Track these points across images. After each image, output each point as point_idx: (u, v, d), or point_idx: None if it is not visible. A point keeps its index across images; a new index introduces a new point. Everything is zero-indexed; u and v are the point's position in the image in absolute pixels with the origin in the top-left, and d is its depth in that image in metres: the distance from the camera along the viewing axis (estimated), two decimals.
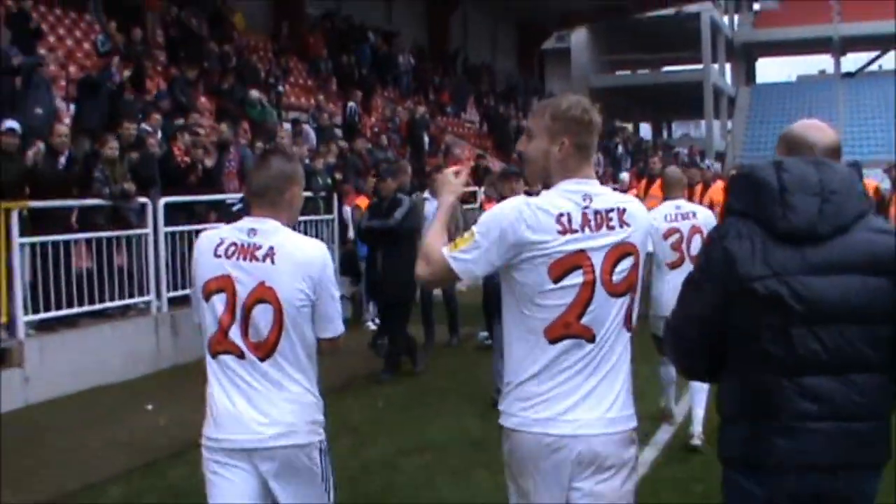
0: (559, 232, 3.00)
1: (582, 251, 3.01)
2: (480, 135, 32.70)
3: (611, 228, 3.07)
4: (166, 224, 10.68)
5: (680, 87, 52.54)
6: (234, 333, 3.42)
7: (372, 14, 34.44)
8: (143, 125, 12.38)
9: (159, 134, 11.87)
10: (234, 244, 3.47)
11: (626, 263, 3.09)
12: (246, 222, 3.52)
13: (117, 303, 10.16)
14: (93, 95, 13.19)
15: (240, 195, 10.00)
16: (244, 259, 3.44)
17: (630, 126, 62.33)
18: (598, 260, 3.04)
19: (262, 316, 3.40)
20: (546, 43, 50.78)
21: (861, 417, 2.75)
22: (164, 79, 18.07)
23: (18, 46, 14.98)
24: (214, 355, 3.49)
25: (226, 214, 10.09)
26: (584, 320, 3.03)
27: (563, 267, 3.00)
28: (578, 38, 54.45)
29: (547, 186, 3.16)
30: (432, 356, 10.59)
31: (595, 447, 3.05)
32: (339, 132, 21.01)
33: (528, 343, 3.07)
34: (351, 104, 21.63)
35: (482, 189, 15.00)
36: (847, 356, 2.73)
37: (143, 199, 10.39)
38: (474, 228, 3.08)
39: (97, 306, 9.93)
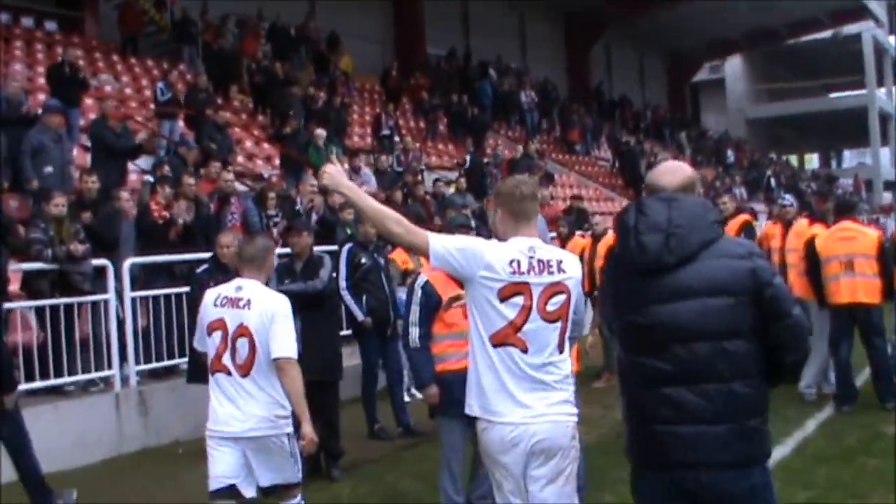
0: (510, 273, 3.95)
1: (525, 283, 3.96)
2: (611, 173, 30.44)
3: (550, 273, 4.00)
4: (136, 288, 9.31)
5: (845, 114, 48.48)
6: (226, 358, 5.09)
7: (505, 52, 32.99)
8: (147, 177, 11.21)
9: (167, 190, 10.39)
10: (227, 297, 5.15)
11: (559, 299, 4.03)
12: (237, 281, 5.25)
13: (70, 378, 8.78)
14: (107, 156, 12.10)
15: (205, 266, 8.50)
16: (231, 307, 5.11)
17: (794, 157, 58.45)
18: (536, 292, 3.97)
19: (242, 346, 5.04)
20: (699, 74, 47.96)
21: (714, 422, 3.19)
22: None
23: (59, 97, 14.24)
24: (213, 373, 5.17)
25: (194, 282, 8.65)
26: (519, 334, 3.96)
27: (509, 291, 3.95)
28: (733, 67, 51.39)
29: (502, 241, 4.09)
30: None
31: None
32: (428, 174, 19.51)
33: (478, 346, 4.04)
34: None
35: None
36: (697, 369, 3.21)
37: (100, 262, 9.03)
38: (457, 238, 4.13)
39: (46, 382, 8.59)
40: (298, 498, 5.39)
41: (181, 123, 16.12)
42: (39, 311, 8.69)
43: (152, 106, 16.43)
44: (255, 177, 16.66)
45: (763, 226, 12.19)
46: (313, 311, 7.44)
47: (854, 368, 9.36)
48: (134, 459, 8.90)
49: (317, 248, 8.79)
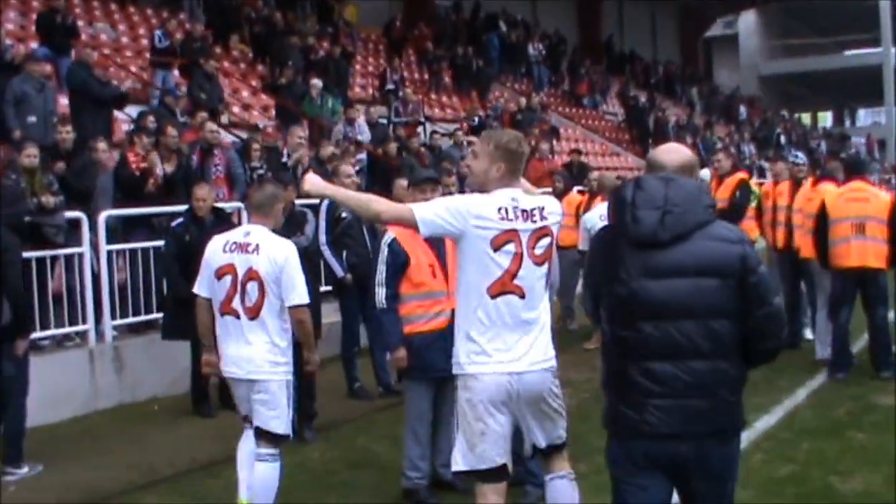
0: (500, 218, 4.10)
1: (514, 230, 4.12)
2: (618, 128, 29.94)
3: (533, 220, 4.18)
4: (111, 241, 9.02)
5: (860, 72, 47.51)
6: (236, 302, 5.28)
7: (513, 4, 32.34)
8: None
9: (144, 141, 10.03)
10: (236, 242, 5.33)
11: (545, 242, 4.23)
12: (245, 227, 5.70)
13: (43, 333, 8.50)
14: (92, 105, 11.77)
15: (180, 219, 8.22)
16: (241, 252, 5.29)
17: (807, 115, 57.60)
18: (524, 238, 4.14)
19: (252, 289, 5.23)
20: (712, 29, 47.09)
21: (695, 396, 3.32)
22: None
23: (48, 45, 13.91)
24: (223, 315, 5.35)
25: (168, 235, 8.40)
26: (516, 281, 4.11)
27: (501, 240, 4.09)
28: (747, 23, 50.42)
29: (482, 192, 4.25)
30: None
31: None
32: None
33: (474, 299, 4.12)
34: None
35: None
36: (682, 345, 3.32)
37: (74, 214, 8.74)
38: (440, 201, 4.29)
39: None
40: (276, 451, 5.38)
41: (176, 73, 15.77)
42: None
43: (147, 55, 16.04)
44: (250, 127, 16.32)
45: (767, 183, 11.73)
46: None
47: (851, 335, 9.04)
48: (108, 416, 8.66)
49: (298, 202, 8.52)
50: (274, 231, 5.43)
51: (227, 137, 13.47)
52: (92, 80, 12.33)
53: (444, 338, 5.05)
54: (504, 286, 4.08)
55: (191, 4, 20.94)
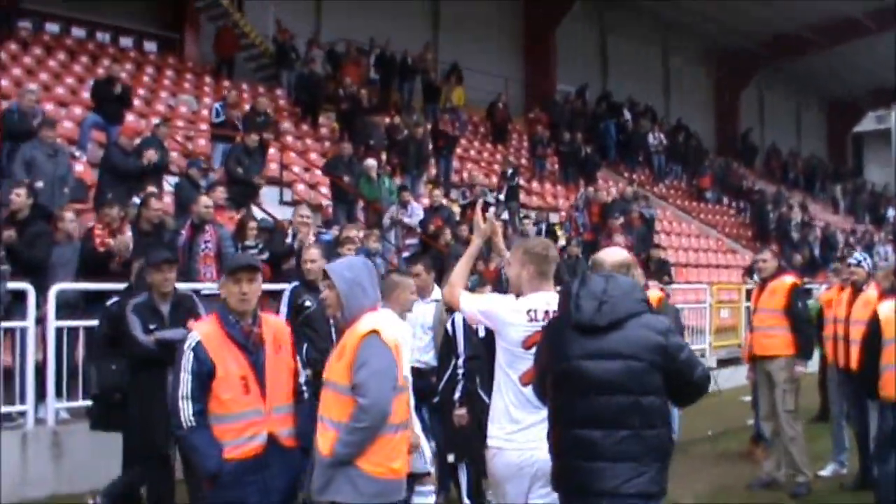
0: (528, 321, 4.53)
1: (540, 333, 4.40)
2: (738, 223, 27.97)
3: None
4: (64, 317, 8.28)
5: None
6: None
7: (645, 93, 31.13)
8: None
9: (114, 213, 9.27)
10: None
11: None
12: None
13: None
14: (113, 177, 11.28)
15: (116, 298, 7.34)
16: None
17: None
18: None
19: None
20: (862, 124, 44.30)
21: (622, 460, 3.77)
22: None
23: (100, 113, 13.65)
24: None
25: (106, 315, 7.47)
26: None
27: (531, 342, 4.43)
28: None
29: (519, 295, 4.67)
30: None
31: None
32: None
33: (509, 385, 4.55)
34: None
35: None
36: (614, 417, 3.78)
37: (18, 285, 8.04)
38: (483, 299, 4.86)
39: None
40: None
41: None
42: None
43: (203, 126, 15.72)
44: (314, 206, 15.67)
45: (832, 288, 9.90)
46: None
47: None
48: None
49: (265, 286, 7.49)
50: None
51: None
52: (115, 150, 11.86)
53: (259, 468, 4.31)
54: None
55: (289, 79, 20.74)
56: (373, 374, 4.06)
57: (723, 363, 15.15)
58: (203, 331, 4.53)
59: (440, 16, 27.29)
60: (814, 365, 9.44)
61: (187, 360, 4.44)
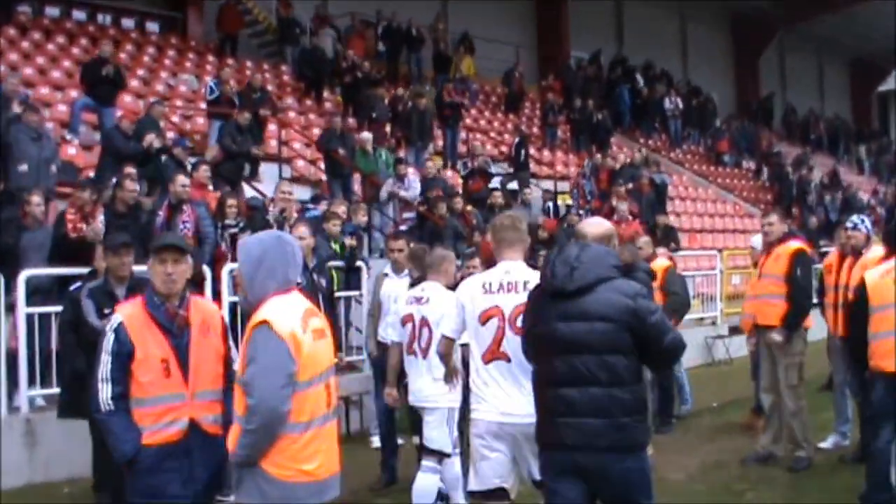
0: (483, 292, 4.90)
1: (496, 306, 4.85)
2: (757, 188, 27.34)
3: (516, 292, 4.80)
4: (35, 304, 8.05)
5: None
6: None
7: (663, 57, 30.46)
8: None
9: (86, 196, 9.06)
10: (414, 296, 6.69)
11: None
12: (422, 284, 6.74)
13: None
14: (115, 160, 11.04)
15: (79, 283, 7.06)
16: (416, 304, 6.63)
17: None
18: (507, 312, 4.82)
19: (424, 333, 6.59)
20: (887, 83, 43.22)
21: (595, 416, 4.03)
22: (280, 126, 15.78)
23: (92, 96, 13.41)
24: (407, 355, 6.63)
25: (68, 299, 7.20)
26: (502, 349, 4.84)
27: (485, 317, 4.87)
28: None
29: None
30: None
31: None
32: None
33: (478, 364, 4.92)
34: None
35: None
36: (585, 375, 4.05)
37: None
38: (452, 310, 5.19)
39: None
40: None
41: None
42: None
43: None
44: (314, 182, 15.40)
45: (830, 254, 9.39)
46: None
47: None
48: (14, 496, 7.64)
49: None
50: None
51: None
52: (116, 133, 11.67)
53: (180, 454, 4.20)
54: (493, 354, 4.87)
55: (293, 55, 20.39)
56: (260, 370, 3.67)
57: (734, 331, 14.71)
58: (126, 312, 4.29)
59: None
60: (822, 332, 8.99)
61: (108, 342, 4.22)
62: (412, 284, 7.28)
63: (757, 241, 9.79)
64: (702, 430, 9.95)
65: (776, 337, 7.96)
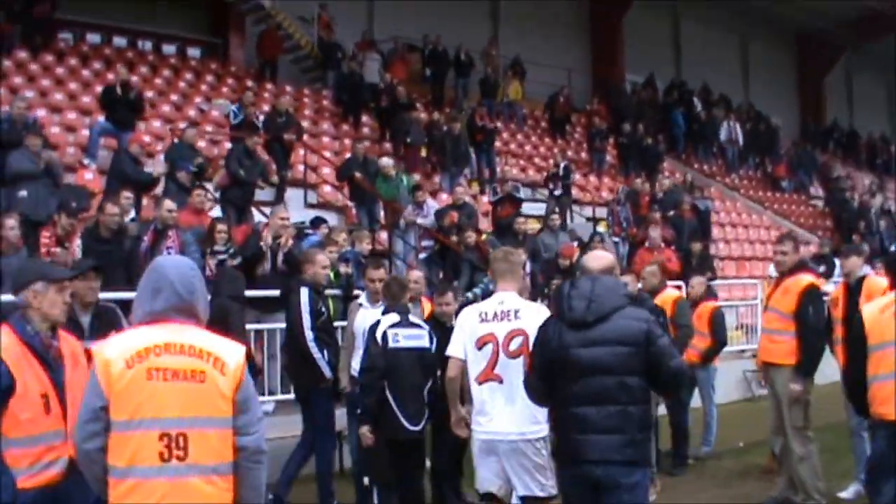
0: (480, 321, 5.37)
1: (491, 333, 5.32)
2: (816, 214, 26.21)
3: (508, 320, 5.30)
4: None
5: None
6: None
7: (732, 87, 29.56)
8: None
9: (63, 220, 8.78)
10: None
11: (519, 340, 5.27)
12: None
13: None
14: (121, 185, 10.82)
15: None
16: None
17: None
18: (500, 337, 5.29)
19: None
20: None
21: (612, 432, 4.42)
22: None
23: (111, 119, 13.25)
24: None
25: None
26: (495, 371, 5.29)
27: (481, 342, 5.33)
28: None
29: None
30: None
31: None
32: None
33: (473, 384, 5.39)
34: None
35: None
36: (603, 395, 4.44)
37: None
38: (456, 339, 5.54)
39: None
40: None
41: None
42: None
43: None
44: (338, 208, 15.04)
45: (837, 287, 8.61)
46: None
47: None
48: None
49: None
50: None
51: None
52: (125, 158, 11.45)
53: (58, 498, 3.96)
54: (486, 376, 5.32)
55: (335, 79, 20.11)
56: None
57: None
58: (5, 342, 3.89)
59: (500, 9, 26.33)
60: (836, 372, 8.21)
61: None
62: (384, 313, 6.86)
63: (771, 270, 9.10)
64: (718, 472, 9.22)
65: (794, 386, 7.32)
